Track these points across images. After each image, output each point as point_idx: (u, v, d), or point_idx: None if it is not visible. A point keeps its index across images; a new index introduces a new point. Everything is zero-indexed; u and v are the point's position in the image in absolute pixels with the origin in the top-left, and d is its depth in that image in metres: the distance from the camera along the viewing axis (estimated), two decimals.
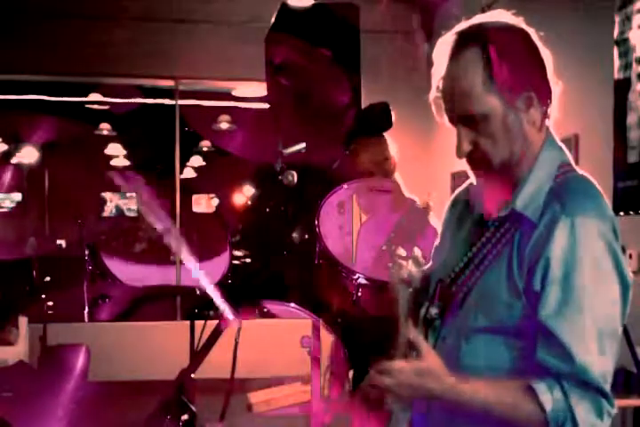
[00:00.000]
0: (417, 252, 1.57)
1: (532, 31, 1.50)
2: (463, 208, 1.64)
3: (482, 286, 1.46)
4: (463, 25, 1.51)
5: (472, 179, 1.55)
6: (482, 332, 1.44)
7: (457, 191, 1.70)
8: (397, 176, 3.13)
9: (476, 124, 1.45)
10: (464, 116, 1.46)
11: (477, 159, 1.48)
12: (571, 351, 1.34)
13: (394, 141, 3.24)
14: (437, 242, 1.72)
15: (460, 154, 1.49)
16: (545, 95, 1.47)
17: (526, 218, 1.43)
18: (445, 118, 1.51)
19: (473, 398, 1.38)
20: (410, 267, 1.53)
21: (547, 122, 1.50)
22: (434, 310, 1.52)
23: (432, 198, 2.56)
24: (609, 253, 1.40)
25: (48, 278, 6.96)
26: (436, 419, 1.49)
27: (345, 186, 2.75)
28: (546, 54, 1.49)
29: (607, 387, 1.37)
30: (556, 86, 1.50)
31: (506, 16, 1.51)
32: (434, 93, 1.52)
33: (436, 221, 2.55)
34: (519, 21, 1.50)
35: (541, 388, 1.34)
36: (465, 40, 1.46)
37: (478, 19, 1.51)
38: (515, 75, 1.44)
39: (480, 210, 1.56)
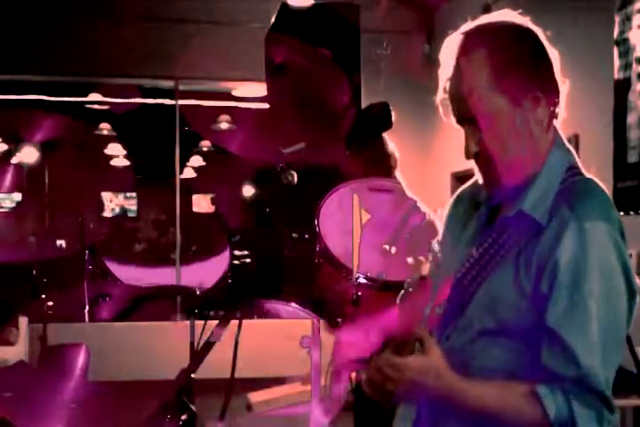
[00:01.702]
0: (435, 246, 1.55)
1: (538, 30, 1.49)
2: (467, 207, 1.63)
3: (487, 286, 1.45)
4: (469, 25, 1.50)
5: (479, 179, 1.54)
6: (486, 332, 1.43)
7: (460, 189, 1.69)
8: (399, 176, 3.12)
9: (483, 125, 1.44)
10: (471, 117, 1.46)
11: (485, 160, 1.48)
12: (576, 357, 1.33)
13: (393, 141, 3.23)
14: (439, 239, 1.71)
15: (467, 155, 1.48)
16: (552, 95, 1.46)
17: (534, 220, 1.42)
18: (453, 119, 1.51)
19: (475, 399, 1.38)
20: (429, 263, 1.52)
21: (554, 122, 1.50)
22: (438, 309, 1.52)
23: (438, 214, 2.56)
24: (618, 259, 1.39)
25: (48, 278, 6.96)
26: (439, 416, 1.49)
27: (345, 186, 2.75)
28: (553, 54, 1.48)
29: (609, 394, 1.36)
30: (564, 86, 1.49)
31: (512, 16, 1.50)
32: (441, 95, 1.52)
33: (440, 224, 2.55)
34: (526, 21, 1.49)
35: (545, 393, 1.33)
36: (471, 40, 1.46)
37: (484, 19, 1.50)
38: (521, 75, 1.43)
39: (486, 210, 1.56)
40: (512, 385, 1.38)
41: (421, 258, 1.52)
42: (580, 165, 1.50)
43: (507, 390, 1.38)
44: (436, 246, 1.68)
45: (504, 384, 1.39)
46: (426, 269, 1.50)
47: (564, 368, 1.34)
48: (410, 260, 1.53)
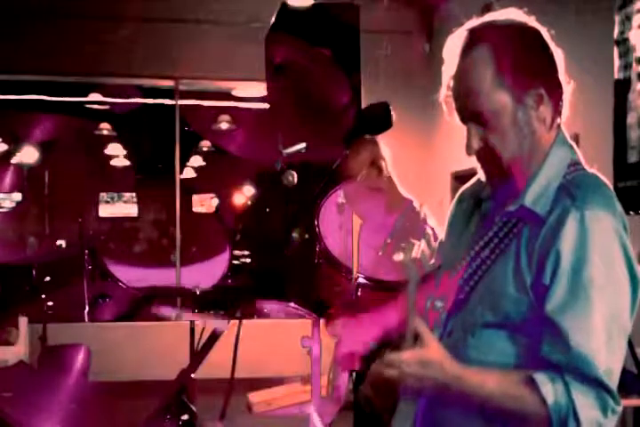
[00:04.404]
0: (429, 231, 1.55)
1: (543, 29, 1.50)
2: (471, 204, 1.64)
3: (488, 280, 1.46)
4: (473, 22, 1.51)
5: (481, 175, 1.55)
6: (487, 326, 1.43)
7: (464, 187, 1.70)
8: (393, 175, 3.12)
9: (486, 122, 1.45)
10: (474, 114, 1.46)
11: (487, 156, 1.48)
12: (573, 344, 1.33)
13: (393, 141, 3.23)
14: (443, 237, 1.72)
15: (469, 151, 1.49)
16: (555, 93, 1.47)
17: (535, 214, 1.43)
18: (456, 117, 1.51)
19: (474, 386, 1.38)
20: (422, 247, 1.52)
21: (558, 120, 1.50)
22: (439, 304, 1.52)
23: (424, 209, 2.56)
24: (620, 247, 1.39)
25: (48, 278, 6.97)
26: (439, 414, 1.49)
27: (345, 186, 2.75)
28: (557, 52, 1.49)
29: (612, 384, 1.35)
30: (568, 85, 1.50)
31: (517, 14, 1.51)
32: (444, 92, 1.52)
33: (435, 223, 2.55)
34: (530, 20, 1.50)
35: (543, 380, 1.34)
36: (475, 38, 1.46)
37: (489, 17, 1.51)
38: (525, 72, 1.44)
39: (488, 206, 1.56)
40: (510, 373, 1.39)
41: (414, 242, 1.51)
42: (583, 161, 1.51)
43: (505, 378, 1.38)
44: (429, 243, 1.68)
45: (503, 372, 1.40)
46: (416, 252, 1.49)
47: (561, 357, 1.34)
48: (402, 244, 1.53)
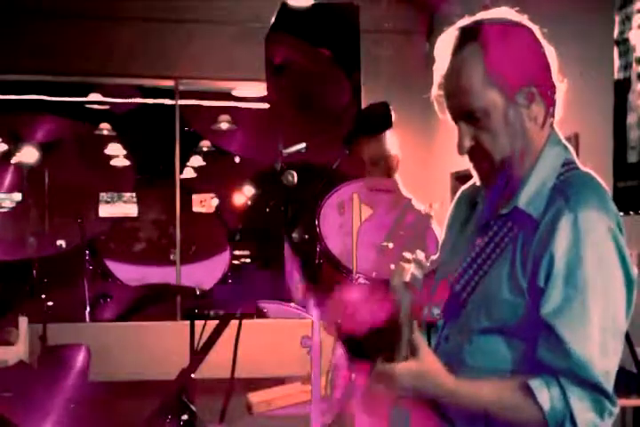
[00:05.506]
0: (419, 255, 1.55)
1: (535, 28, 1.49)
2: (468, 206, 1.63)
3: (484, 285, 1.45)
4: (465, 21, 1.50)
5: (474, 175, 1.54)
6: (484, 332, 1.43)
7: (461, 189, 1.69)
8: (397, 175, 3.12)
9: (477, 120, 1.44)
10: (465, 112, 1.45)
11: (479, 156, 1.47)
12: (569, 347, 1.33)
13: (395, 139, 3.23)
14: (442, 240, 1.71)
15: (461, 150, 1.47)
16: (548, 92, 1.46)
17: (530, 216, 1.42)
18: (448, 115, 1.50)
19: (470, 397, 1.38)
20: (412, 270, 1.51)
21: (550, 120, 1.49)
22: (436, 311, 1.51)
23: (433, 209, 2.55)
24: (614, 248, 1.38)
25: (48, 279, 6.96)
26: (436, 417, 1.48)
27: (345, 186, 2.75)
28: (550, 51, 1.48)
29: (609, 386, 1.35)
30: (561, 84, 1.49)
31: (509, 13, 1.50)
32: (435, 91, 1.51)
33: (436, 225, 2.55)
34: (523, 18, 1.50)
35: (538, 386, 1.33)
36: (466, 36, 1.46)
37: (481, 15, 1.50)
38: (515, 70, 1.43)
39: (483, 208, 1.55)
40: (505, 381, 1.38)
41: (405, 266, 1.51)
42: (576, 160, 1.50)
43: (500, 386, 1.37)
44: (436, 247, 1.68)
45: (498, 381, 1.39)
46: (407, 276, 1.48)
47: (557, 360, 1.34)
48: (392, 266, 1.52)
